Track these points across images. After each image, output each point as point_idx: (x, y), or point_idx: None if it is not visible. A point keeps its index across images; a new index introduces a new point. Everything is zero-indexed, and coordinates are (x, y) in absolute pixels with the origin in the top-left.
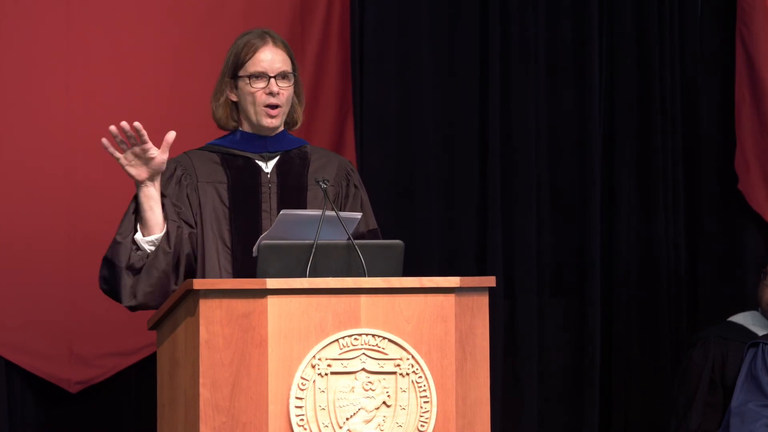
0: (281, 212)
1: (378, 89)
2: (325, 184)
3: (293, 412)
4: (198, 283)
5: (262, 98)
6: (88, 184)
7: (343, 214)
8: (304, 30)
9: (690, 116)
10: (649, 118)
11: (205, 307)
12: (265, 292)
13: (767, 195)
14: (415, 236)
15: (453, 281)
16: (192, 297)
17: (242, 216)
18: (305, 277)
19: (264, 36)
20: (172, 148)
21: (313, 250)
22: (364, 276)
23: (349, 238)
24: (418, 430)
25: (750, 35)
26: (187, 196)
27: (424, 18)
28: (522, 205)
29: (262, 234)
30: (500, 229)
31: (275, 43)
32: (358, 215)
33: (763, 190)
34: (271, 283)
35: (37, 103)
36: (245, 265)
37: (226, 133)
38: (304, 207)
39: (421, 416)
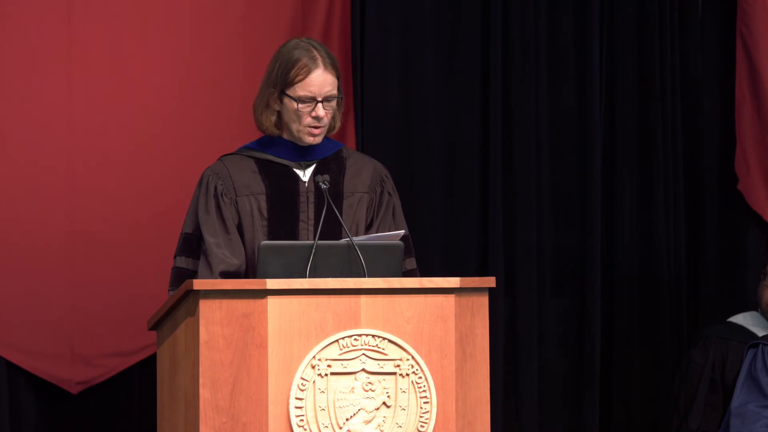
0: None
1: (379, 89)
2: (325, 185)
3: (293, 412)
4: (198, 284)
5: (307, 120)
6: (89, 183)
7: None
8: (305, 30)
9: (690, 116)
10: (649, 118)
11: (205, 307)
12: (265, 293)
13: (767, 195)
14: (416, 236)
15: (453, 282)
16: (192, 297)
17: (279, 227)
18: (305, 277)
19: (315, 57)
20: (198, 156)
21: (313, 250)
22: (364, 276)
23: (349, 239)
24: (418, 430)
25: (750, 35)
26: (230, 214)
27: (425, 18)
28: (523, 204)
29: None
30: (501, 228)
31: (325, 66)
32: (399, 233)
33: (763, 190)
34: (271, 283)
35: (39, 103)
36: None
37: (260, 135)
38: (341, 215)
39: (421, 417)
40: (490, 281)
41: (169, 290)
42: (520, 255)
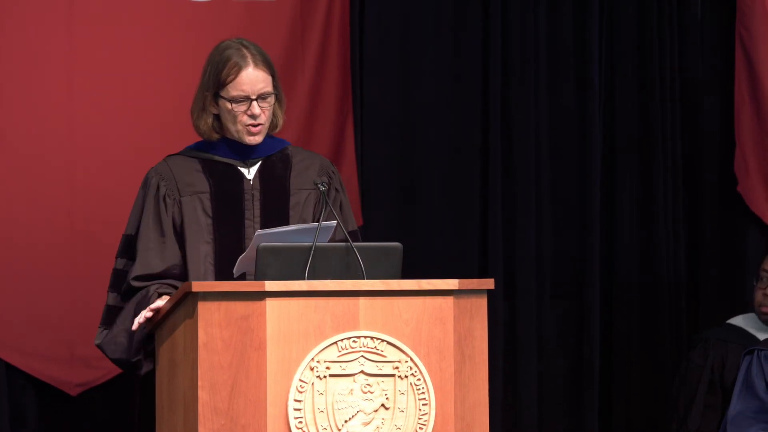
0: (256, 233)
1: (379, 90)
2: (324, 186)
3: (292, 414)
4: (197, 286)
5: (244, 119)
6: (90, 184)
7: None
8: (305, 31)
9: (690, 117)
10: (648, 119)
11: (204, 309)
12: (263, 295)
13: (767, 197)
14: (416, 238)
15: (451, 284)
16: (191, 299)
17: (225, 226)
18: (304, 279)
19: (245, 55)
20: (159, 153)
21: (312, 252)
22: (363, 278)
23: (348, 241)
24: None
25: (749, 37)
26: (172, 216)
27: (425, 19)
28: (522, 206)
29: (244, 242)
30: (501, 230)
31: (256, 64)
32: (333, 223)
33: (762, 192)
34: (270, 285)
35: (39, 103)
36: (229, 276)
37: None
38: (287, 212)
39: (420, 419)
40: (489, 283)
41: (108, 291)
42: (520, 256)
